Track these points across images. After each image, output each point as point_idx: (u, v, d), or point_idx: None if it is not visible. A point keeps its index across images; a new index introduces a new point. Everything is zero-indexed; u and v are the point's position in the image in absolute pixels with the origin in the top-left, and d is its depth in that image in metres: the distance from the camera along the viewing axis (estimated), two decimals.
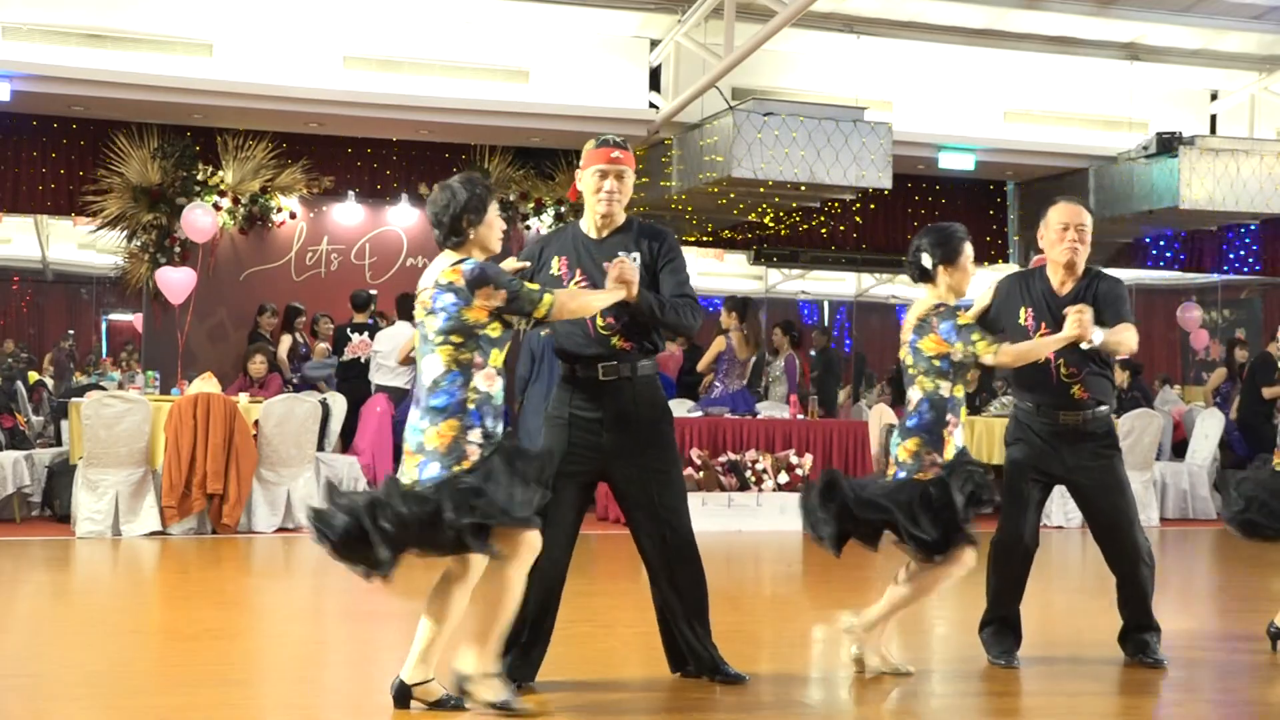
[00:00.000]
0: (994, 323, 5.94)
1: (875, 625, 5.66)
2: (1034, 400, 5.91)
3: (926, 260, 5.68)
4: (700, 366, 12.77)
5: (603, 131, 14.29)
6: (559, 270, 5.18)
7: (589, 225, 5.30)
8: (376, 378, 12.14)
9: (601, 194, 5.20)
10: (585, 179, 5.26)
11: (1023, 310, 5.87)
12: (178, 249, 13.87)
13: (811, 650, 6.66)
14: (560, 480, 5.02)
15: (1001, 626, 6.00)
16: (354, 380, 12.18)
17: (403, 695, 4.89)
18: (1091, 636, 6.42)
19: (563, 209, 15.01)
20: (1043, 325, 5.78)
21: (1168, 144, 14.27)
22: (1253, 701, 5.59)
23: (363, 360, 12.31)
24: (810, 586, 8.83)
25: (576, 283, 5.13)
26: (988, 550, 5.94)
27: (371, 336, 12.44)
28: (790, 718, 5.02)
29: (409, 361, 11.77)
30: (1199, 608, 8.34)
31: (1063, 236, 5.84)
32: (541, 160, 15.05)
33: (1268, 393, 13.70)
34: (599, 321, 5.11)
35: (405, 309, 12.32)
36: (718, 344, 12.56)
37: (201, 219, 13.36)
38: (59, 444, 11.69)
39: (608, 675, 5.58)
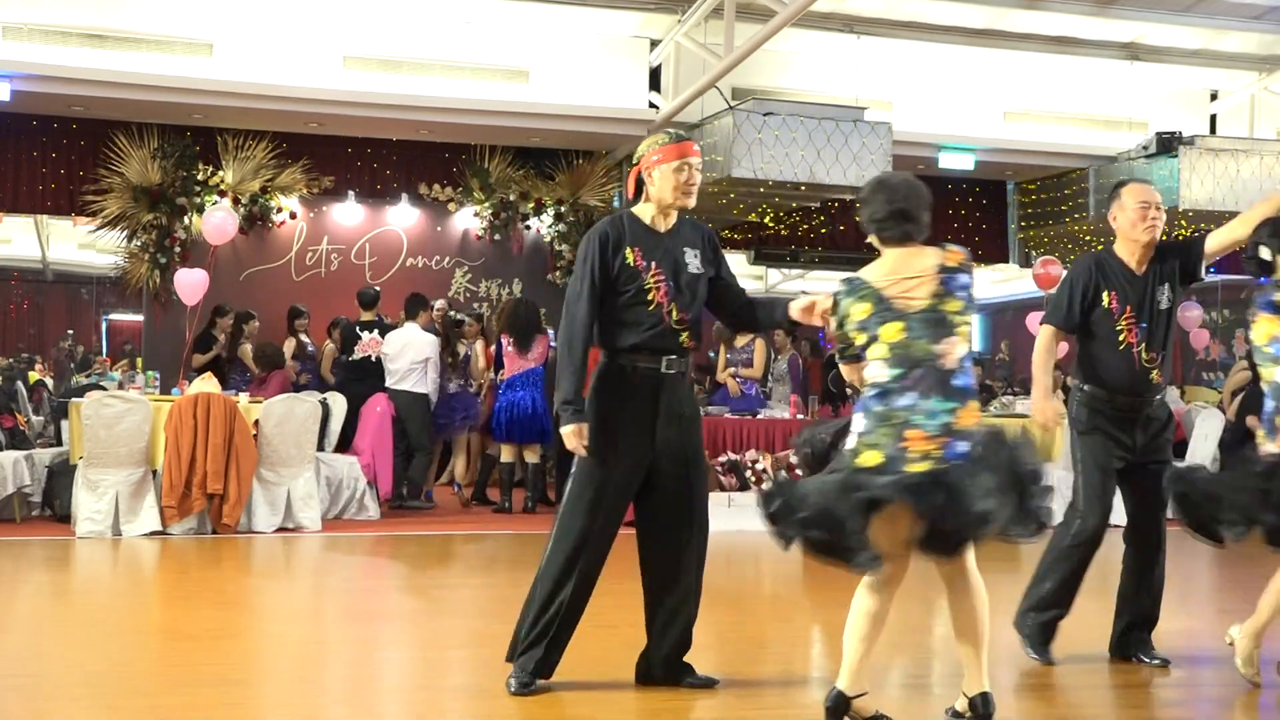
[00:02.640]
0: (1072, 312, 5.88)
1: (1259, 634, 5.61)
2: (1113, 386, 5.82)
3: (1266, 253, 5.62)
4: (757, 371, 12.66)
5: (602, 131, 14.42)
6: (634, 260, 5.12)
7: (653, 217, 5.24)
8: (388, 381, 12.11)
9: (682, 188, 5.16)
10: (663, 173, 5.16)
11: (1106, 294, 5.81)
12: (178, 249, 13.88)
13: (813, 650, 6.64)
14: (620, 475, 5.14)
15: (1055, 622, 5.99)
16: (363, 379, 12.14)
17: (839, 708, 4.70)
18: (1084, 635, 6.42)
19: (562, 208, 15.01)
20: (1128, 308, 5.77)
21: (1167, 144, 14.28)
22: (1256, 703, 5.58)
23: (373, 359, 12.28)
24: (811, 588, 8.82)
25: (653, 276, 5.11)
26: (1062, 541, 5.92)
27: (381, 334, 12.39)
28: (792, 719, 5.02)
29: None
30: (1201, 607, 8.34)
31: (1144, 215, 5.80)
32: (541, 160, 15.06)
33: (1250, 422, 13.68)
34: (675, 316, 5.12)
35: (414, 310, 12.29)
36: (761, 349, 12.53)
37: (224, 222, 13.36)
38: (59, 444, 11.68)
39: (610, 676, 5.57)
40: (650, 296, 5.09)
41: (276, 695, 5.35)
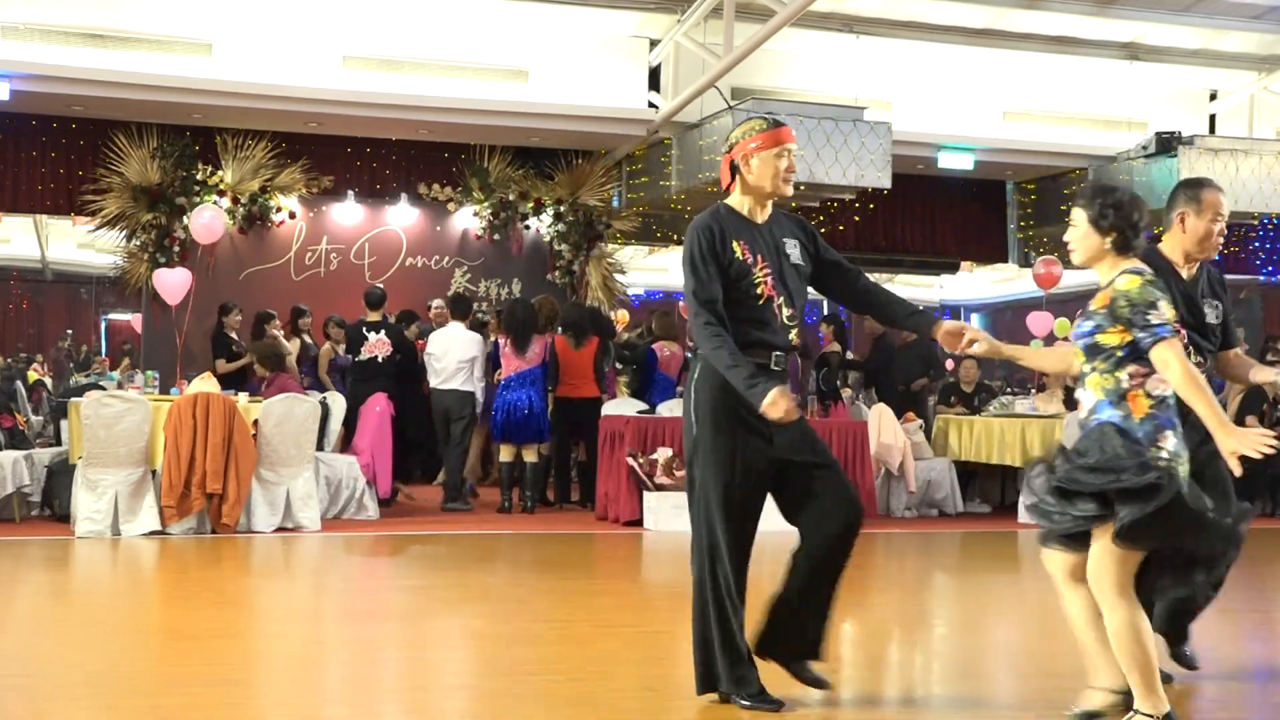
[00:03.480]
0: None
1: None
2: None
3: None
4: None
5: (601, 131, 14.43)
6: (742, 254, 4.87)
7: (750, 208, 5.00)
8: (434, 382, 12.14)
9: (782, 175, 4.94)
10: (763, 159, 4.92)
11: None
12: (177, 249, 13.88)
13: None
14: (755, 480, 4.88)
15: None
16: (369, 380, 12.14)
17: None
18: None
19: (562, 208, 15.00)
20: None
21: (1167, 144, 14.28)
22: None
23: (379, 359, 12.28)
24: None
25: (761, 269, 4.88)
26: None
27: (388, 335, 12.39)
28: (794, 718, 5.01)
29: None
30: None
31: (1214, 226, 5.37)
32: (541, 160, 15.07)
33: (1249, 423, 13.69)
34: (785, 311, 4.91)
35: (461, 310, 12.38)
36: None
37: (212, 221, 13.36)
38: (58, 444, 11.69)
39: (608, 676, 5.57)
40: (760, 291, 4.85)
41: (276, 695, 5.35)
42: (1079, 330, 4.54)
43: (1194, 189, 5.46)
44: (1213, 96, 16.23)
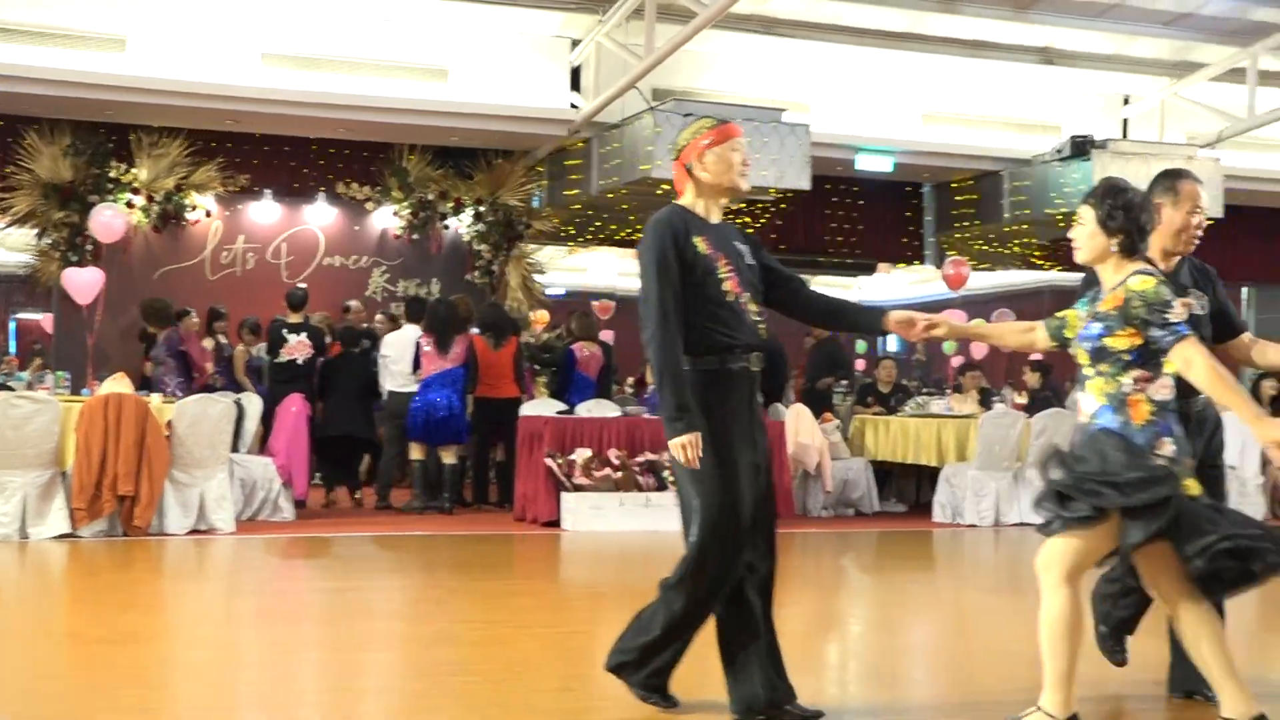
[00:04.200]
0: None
1: None
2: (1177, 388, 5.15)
3: None
4: None
5: (522, 131, 14.39)
6: (706, 250, 4.76)
7: (705, 208, 4.91)
8: (391, 385, 12.05)
9: (739, 169, 4.87)
10: (719, 155, 4.84)
11: None
12: (89, 247, 13.68)
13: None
14: (742, 487, 4.70)
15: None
16: (291, 381, 12.03)
17: None
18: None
19: (482, 208, 14.95)
20: None
21: (1081, 147, 14.50)
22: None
23: (299, 362, 12.17)
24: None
25: (725, 266, 4.76)
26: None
27: (310, 337, 12.28)
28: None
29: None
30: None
31: (1192, 219, 5.19)
32: (461, 159, 15.01)
33: None
34: (752, 309, 4.80)
35: (416, 313, 12.31)
36: None
37: (112, 220, 13.16)
38: None
39: (526, 677, 5.55)
40: (726, 288, 4.72)
41: (190, 699, 5.28)
42: (1086, 333, 4.49)
43: (1171, 179, 5.30)
44: (1125, 101, 16.48)
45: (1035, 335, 4.87)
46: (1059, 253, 17.67)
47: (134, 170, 13.89)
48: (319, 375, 12.21)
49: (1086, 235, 4.56)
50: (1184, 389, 4.94)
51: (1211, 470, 5.24)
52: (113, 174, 13.85)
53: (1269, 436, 4.20)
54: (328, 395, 12.14)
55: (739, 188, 4.91)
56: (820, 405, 13.67)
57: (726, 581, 4.69)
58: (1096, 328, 4.45)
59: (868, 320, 5.09)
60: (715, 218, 4.92)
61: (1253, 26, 14.11)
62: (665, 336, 4.59)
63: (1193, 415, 5.22)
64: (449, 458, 11.91)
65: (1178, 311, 4.34)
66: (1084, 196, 4.62)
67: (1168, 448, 4.36)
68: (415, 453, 11.95)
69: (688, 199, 4.92)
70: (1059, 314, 4.76)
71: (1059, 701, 4.40)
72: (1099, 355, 4.44)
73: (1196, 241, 5.26)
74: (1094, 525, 4.31)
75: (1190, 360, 4.32)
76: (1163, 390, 4.41)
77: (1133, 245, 4.50)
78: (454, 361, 11.83)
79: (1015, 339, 5.09)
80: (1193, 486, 4.33)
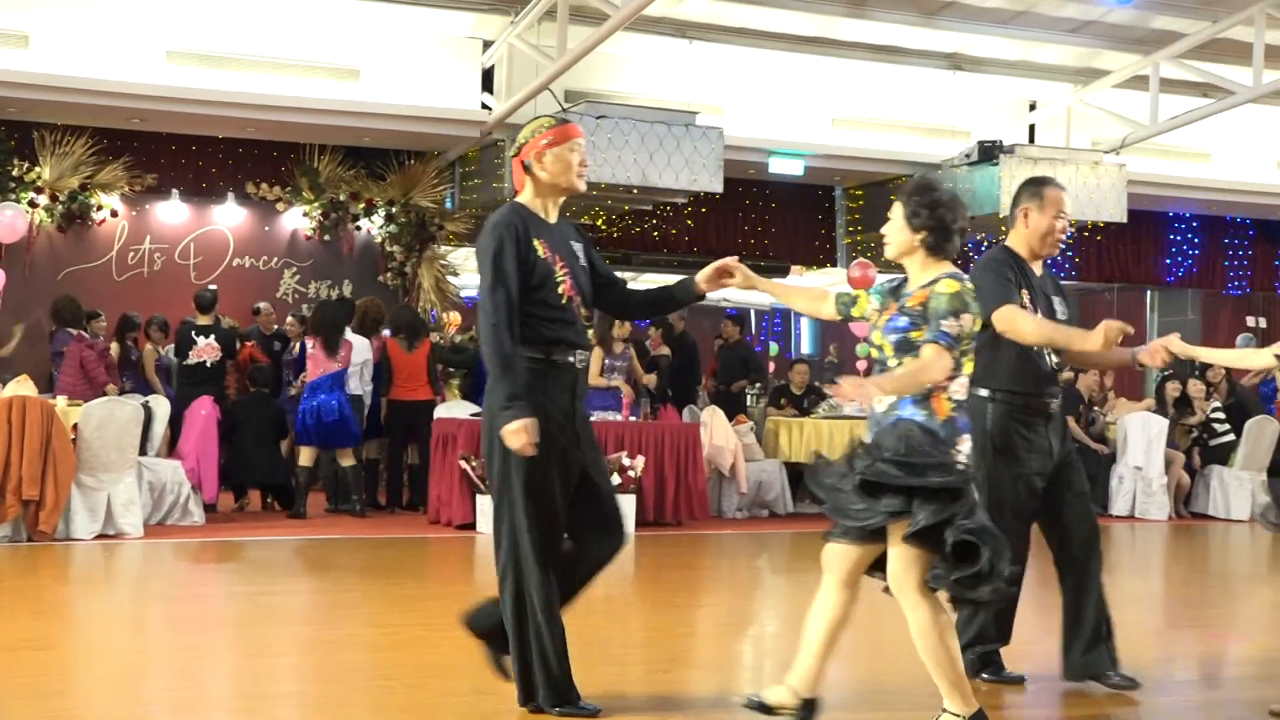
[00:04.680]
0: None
1: None
2: (1024, 392, 5.40)
3: None
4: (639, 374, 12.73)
5: (434, 132, 14.31)
6: (544, 253, 4.83)
7: (543, 206, 4.96)
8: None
9: (577, 169, 4.93)
10: (558, 155, 4.88)
11: (1025, 293, 5.40)
12: None
13: (649, 651, 6.65)
14: (560, 478, 4.81)
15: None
16: (198, 385, 11.87)
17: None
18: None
19: (394, 209, 14.86)
20: (1038, 309, 5.40)
21: (989, 152, 14.68)
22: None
23: (208, 364, 12.02)
24: (642, 586, 8.87)
25: (562, 269, 4.84)
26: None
27: (218, 340, 12.12)
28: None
29: None
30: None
31: (1056, 223, 5.52)
32: (373, 160, 14.92)
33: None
34: (584, 312, 4.91)
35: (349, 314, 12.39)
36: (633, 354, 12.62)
37: (14, 219, 12.90)
38: None
39: (440, 681, 5.53)
40: (561, 291, 4.83)
41: (98, 707, 5.21)
42: (892, 324, 4.57)
43: (1037, 185, 5.57)
44: (1032, 107, 16.72)
45: (823, 305, 5.00)
46: (967, 257, 17.90)
47: (37, 169, 13.65)
48: (226, 417, 11.96)
49: (894, 230, 4.67)
50: (1037, 386, 5.36)
51: (1066, 466, 5.53)
52: (15, 172, 13.59)
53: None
54: (236, 438, 11.85)
55: (576, 188, 5.00)
56: (733, 407, 13.75)
57: (547, 571, 4.81)
58: (903, 321, 4.55)
59: (684, 293, 5.19)
60: (553, 217, 5.01)
61: (1154, 35, 14.37)
62: (500, 332, 4.69)
63: (1052, 412, 5.47)
64: (347, 460, 11.80)
65: (957, 324, 4.44)
66: (898, 193, 4.77)
67: (965, 444, 4.49)
68: (304, 458, 11.77)
69: (526, 197, 4.98)
70: (851, 292, 4.91)
71: (960, 701, 4.48)
72: (903, 347, 4.52)
73: (1061, 245, 5.53)
74: (904, 518, 4.39)
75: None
76: (961, 390, 4.53)
77: (938, 243, 4.59)
78: (341, 363, 11.74)
79: (804, 304, 5.24)
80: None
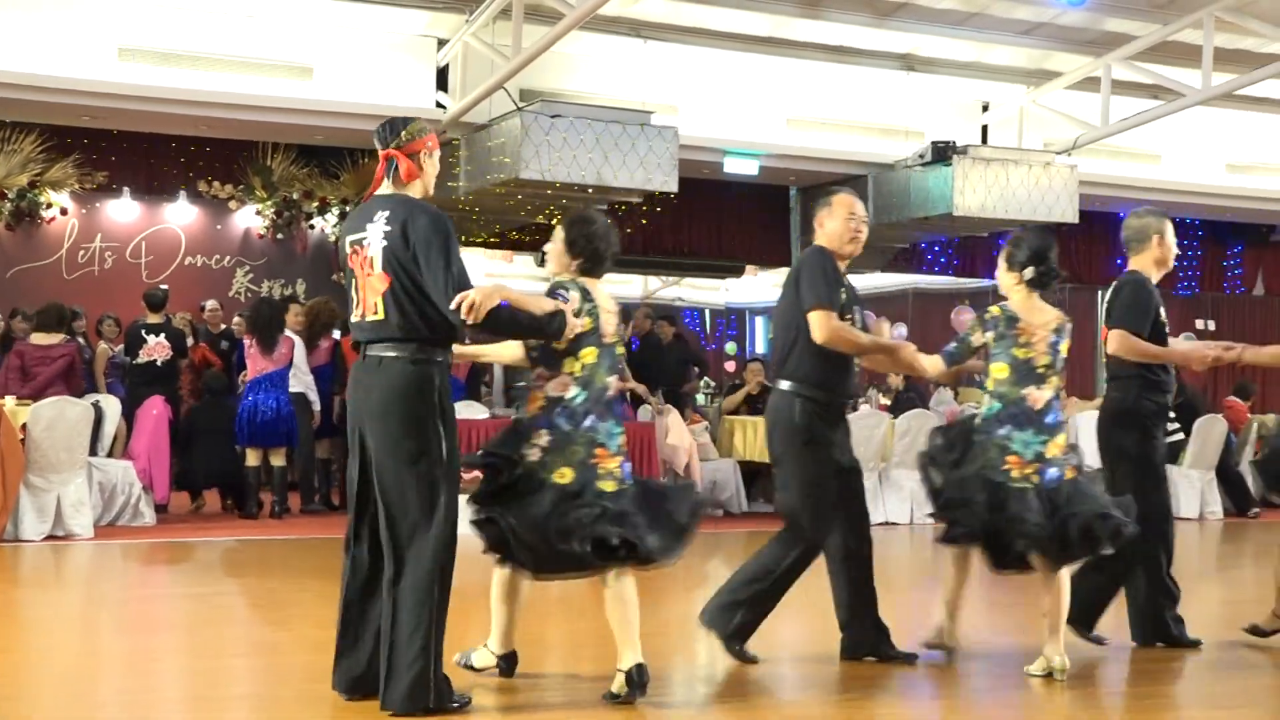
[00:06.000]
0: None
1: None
2: (839, 388, 6.02)
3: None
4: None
5: None
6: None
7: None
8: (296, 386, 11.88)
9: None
10: (434, 160, 5.15)
11: (844, 292, 5.95)
12: None
13: (597, 650, 6.64)
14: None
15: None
16: (148, 384, 11.78)
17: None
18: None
19: (348, 207, 14.80)
20: (853, 310, 5.95)
21: (942, 153, 14.74)
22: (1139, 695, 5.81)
23: (159, 363, 11.92)
24: (590, 588, 8.85)
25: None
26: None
27: (168, 338, 12.04)
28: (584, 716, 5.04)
29: None
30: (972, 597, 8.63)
31: (850, 224, 6.01)
32: (326, 159, 14.84)
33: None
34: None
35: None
36: None
37: None
38: None
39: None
40: None
41: (48, 710, 5.16)
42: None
43: (826, 195, 6.17)
44: (985, 108, 16.81)
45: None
46: (921, 256, 17.99)
47: None
48: (182, 423, 11.89)
49: (556, 252, 5.44)
50: (854, 390, 6.15)
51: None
52: None
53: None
54: (192, 445, 11.79)
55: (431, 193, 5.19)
56: (681, 406, 13.76)
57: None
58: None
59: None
60: None
61: (1106, 37, 14.48)
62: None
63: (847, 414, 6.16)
64: (278, 460, 11.72)
65: (573, 325, 5.11)
66: (563, 219, 5.50)
67: (544, 438, 5.12)
68: (250, 458, 11.71)
69: (417, 191, 5.08)
70: None
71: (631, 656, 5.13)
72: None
73: (860, 246, 6.06)
74: None
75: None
76: (557, 388, 5.16)
77: (591, 267, 5.40)
78: (278, 363, 11.68)
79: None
80: (565, 475, 5.06)
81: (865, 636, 6.01)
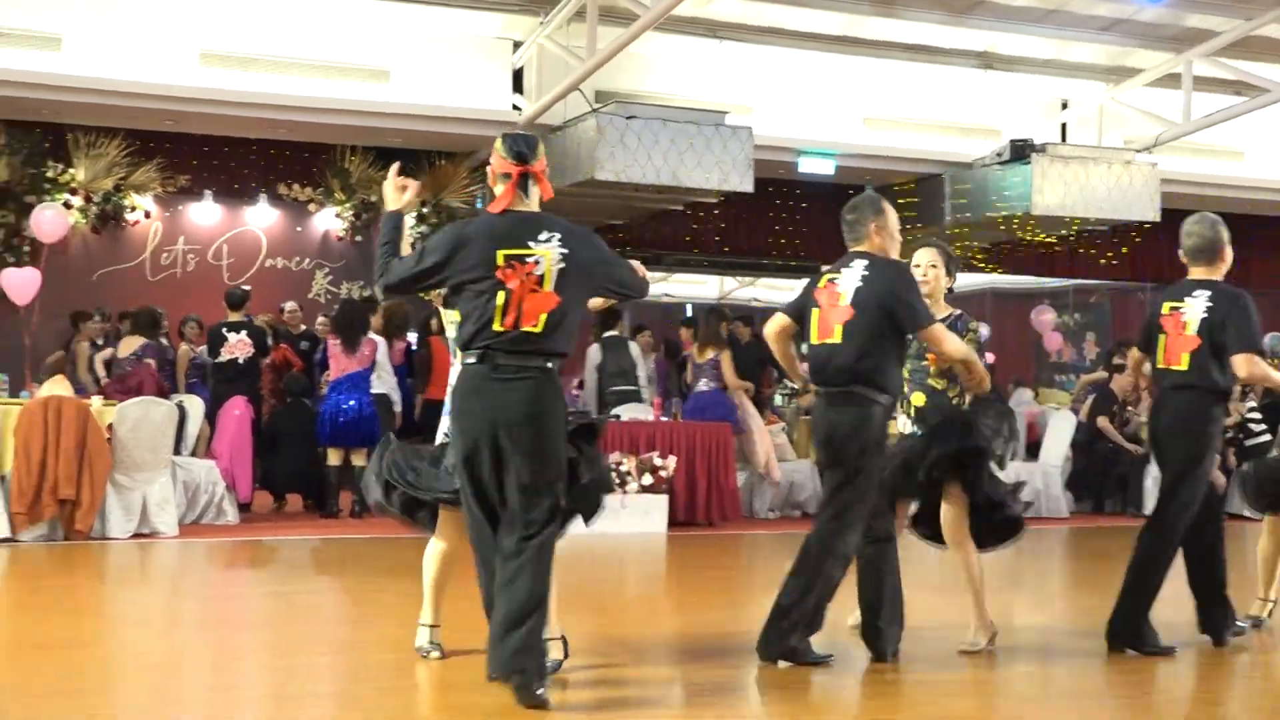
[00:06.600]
0: None
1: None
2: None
3: None
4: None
5: (464, 133, 14.33)
6: None
7: None
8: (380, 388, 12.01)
9: None
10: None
11: None
12: (26, 248, 13.50)
13: (676, 649, 6.64)
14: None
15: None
16: (230, 382, 11.92)
17: None
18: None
19: (424, 210, 14.90)
20: None
21: (1021, 151, 14.60)
22: (1117, 695, 5.74)
23: (240, 361, 12.05)
24: (673, 588, 8.87)
25: None
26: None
27: (250, 336, 12.16)
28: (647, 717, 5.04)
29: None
30: (1055, 603, 8.55)
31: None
32: (403, 161, 14.87)
33: (1101, 423, 14.10)
34: None
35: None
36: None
37: (52, 219, 13.01)
38: None
39: (471, 679, 5.54)
40: None
41: (131, 705, 5.24)
42: None
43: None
44: (1064, 106, 16.64)
45: None
46: (999, 256, 17.81)
47: (71, 170, 13.73)
48: (265, 427, 12.04)
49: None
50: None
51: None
52: (50, 174, 13.67)
53: None
54: (275, 449, 11.96)
55: None
56: (761, 407, 13.73)
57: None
58: None
59: None
60: None
61: (1187, 33, 14.29)
62: None
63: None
64: (359, 460, 11.78)
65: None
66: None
67: (443, 423, 5.58)
68: (331, 458, 11.81)
69: (538, 207, 5.39)
70: None
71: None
72: None
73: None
74: None
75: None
76: (452, 377, 5.34)
77: None
78: (361, 363, 11.74)
79: None
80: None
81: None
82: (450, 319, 5.45)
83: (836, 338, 5.74)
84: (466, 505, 5.17)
